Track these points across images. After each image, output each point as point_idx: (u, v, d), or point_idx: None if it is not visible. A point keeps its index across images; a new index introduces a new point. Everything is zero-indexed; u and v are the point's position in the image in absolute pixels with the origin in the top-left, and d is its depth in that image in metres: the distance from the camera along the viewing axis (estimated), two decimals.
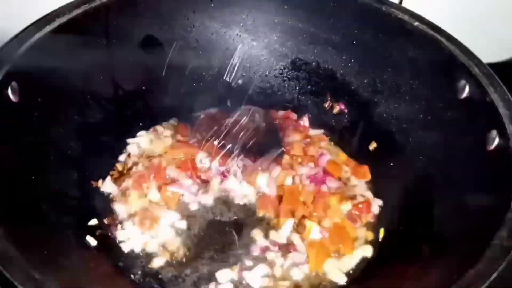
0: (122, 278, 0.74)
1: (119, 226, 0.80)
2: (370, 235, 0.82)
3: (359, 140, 0.95)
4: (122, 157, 0.90)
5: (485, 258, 0.56)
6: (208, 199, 0.85)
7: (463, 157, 0.73)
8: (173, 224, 0.82)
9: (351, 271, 0.78)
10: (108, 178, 0.86)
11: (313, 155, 0.92)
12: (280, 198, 0.85)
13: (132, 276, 0.75)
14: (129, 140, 0.92)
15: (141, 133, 0.94)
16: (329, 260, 0.78)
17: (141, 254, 0.78)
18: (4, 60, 0.68)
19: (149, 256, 0.78)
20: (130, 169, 0.88)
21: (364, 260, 0.79)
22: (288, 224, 0.81)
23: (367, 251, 0.80)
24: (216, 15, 0.93)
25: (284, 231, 0.81)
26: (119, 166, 0.89)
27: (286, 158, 0.91)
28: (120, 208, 0.82)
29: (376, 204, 0.86)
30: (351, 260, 0.78)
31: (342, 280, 0.76)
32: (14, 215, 0.61)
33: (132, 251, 0.78)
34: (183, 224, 0.82)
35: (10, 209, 0.61)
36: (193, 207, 0.85)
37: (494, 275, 0.54)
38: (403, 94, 0.86)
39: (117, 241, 0.79)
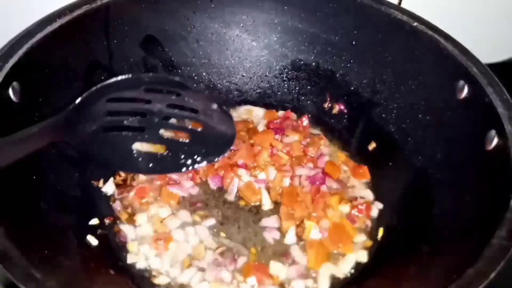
0: (123, 277, 0.74)
1: (129, 240, 0.80)
2: (368, 243, 0.82)
3: (359, 140, 0.95)
4: None
5: (484, 257, 0.56)
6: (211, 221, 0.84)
7: (462, 157, 0.74)
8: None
9: (348, 274, 0.78)
10: (111, 180, 0.86)
11: (312, 156, 0.92)
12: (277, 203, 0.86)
13: (133, 275, 0.76)
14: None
15: None
16: (326, 264, 0.78)
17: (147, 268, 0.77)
18: (5, 61, 0.69)
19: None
20: (133, 179, 0.87)
21: (361, 262, 0.79)
22: (291, 232, 0.81)
23: (362, 256, 0.80)
24: (216, 16, 0.94)
25: (288, 239, 0.81)
26: (122, 173, 0.88)
27: (284, 158, 0.91)
28: (128, 229, 0.81)
29: (376, 207, 0.86)
30: (347, 265, 0.78)
31: (325, 286, 0.76)
32: (14, 214, 0.61)
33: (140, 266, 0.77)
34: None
35: (10, 209, 0.61)
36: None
37: (493, 274, 0.54)
38: (402, 94, 0.87)
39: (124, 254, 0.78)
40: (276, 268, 0.77)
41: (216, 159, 0.81)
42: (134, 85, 0.77)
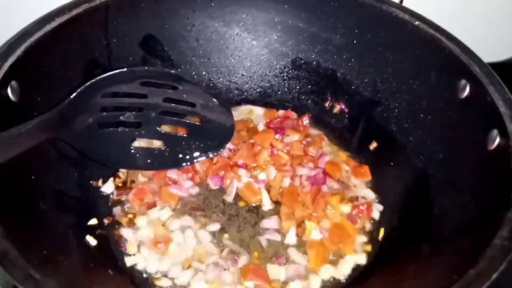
0: (122, 277, 0.74)
1: (129, 242, 0.79)
2: (369, 243, 0.81)
3: (360, 139, 0.95)
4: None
5: (486, 257, 0.55)
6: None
7: (463, 157, 0.73)
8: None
9: (348, 275, 0.77)
10: (110, 180, 0.85)
11: (313, 156, 0.92)
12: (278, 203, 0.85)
13: (132, 275, 0.75)
14: None
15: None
16: (325, 266, 0.77)
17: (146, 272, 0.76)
18: (4, 59, 0.68)
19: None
20: (133, 181, 0.86)
21: (361, 263, 0.79)
22: (291, 233, 0.81)
23: (362, 257, 0.79)
24: (216, 15, 0.93)
25: (289, 239, 0.81)
26: (121, 175, 0.87)
27: (284, 158, 0.91)
28: (128, 232, 0.80)
29: (377, 208, 0.85)
30: (347, 266, 0.78)
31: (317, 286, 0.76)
32: (14, 214, 0.61)
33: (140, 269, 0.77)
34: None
35: (10, 209, 0.61)
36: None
37: (495, 275, 0.54)
38: (404, 93, 0.86)
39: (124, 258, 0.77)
40: (275, 269, 0.77)
41: (215, 153, 0.79)
42: (130, 78, 0.75)
